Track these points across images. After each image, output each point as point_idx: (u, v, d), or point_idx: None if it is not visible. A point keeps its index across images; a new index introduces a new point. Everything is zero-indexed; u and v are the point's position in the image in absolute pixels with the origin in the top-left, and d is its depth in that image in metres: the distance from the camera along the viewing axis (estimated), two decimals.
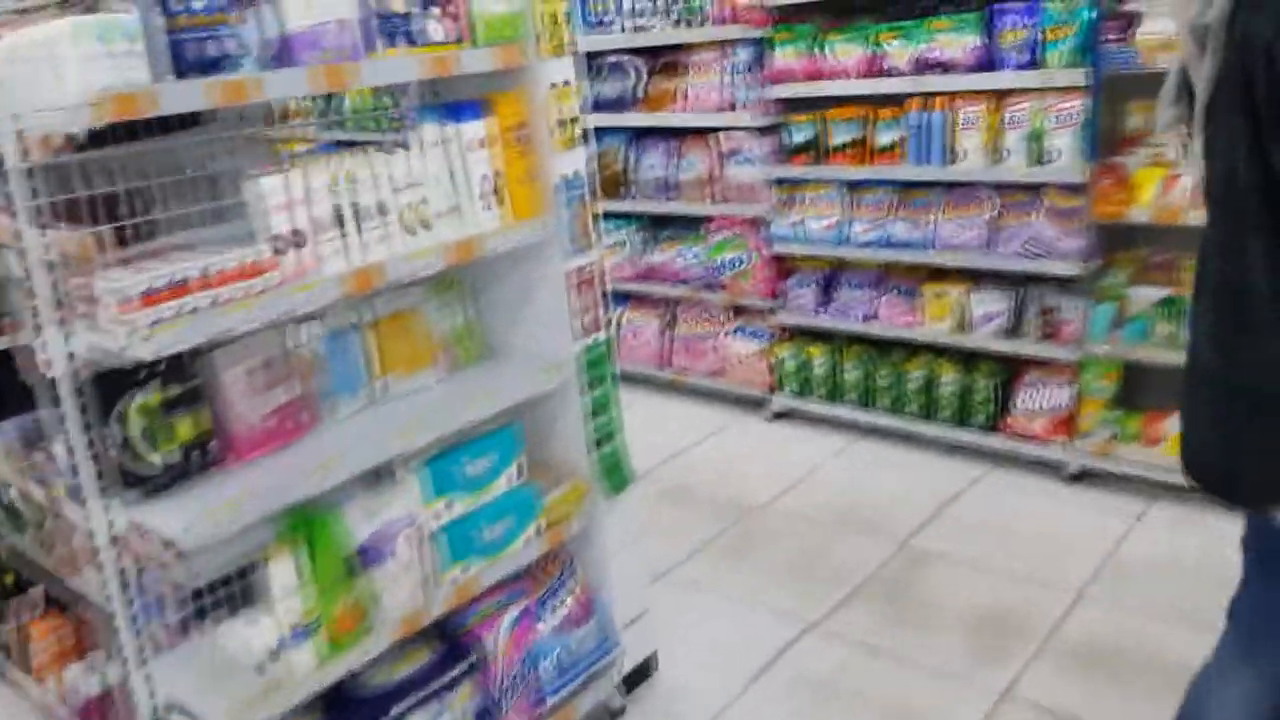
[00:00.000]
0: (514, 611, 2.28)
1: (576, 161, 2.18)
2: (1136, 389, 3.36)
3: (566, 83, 2.12)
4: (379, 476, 2.00)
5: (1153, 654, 2.55)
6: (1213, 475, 1.46)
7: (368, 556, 1.96)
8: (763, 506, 3.49)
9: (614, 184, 4.53)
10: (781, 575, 3.05)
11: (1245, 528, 1.59)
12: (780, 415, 4.24)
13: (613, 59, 4.44)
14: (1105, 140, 3.22)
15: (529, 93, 2.08)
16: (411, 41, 1.92)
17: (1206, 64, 1.32)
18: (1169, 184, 3.07)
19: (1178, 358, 3.10)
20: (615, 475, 2.52)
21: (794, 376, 4.14)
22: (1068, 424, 3.43)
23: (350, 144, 1.90)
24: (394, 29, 1.89)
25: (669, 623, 2.78)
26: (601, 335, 2.40)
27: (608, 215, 4.61)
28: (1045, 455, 3.50)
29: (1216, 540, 2.88)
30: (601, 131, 4.53)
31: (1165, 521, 3.17)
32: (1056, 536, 3.14)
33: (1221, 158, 1.34)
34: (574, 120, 2.13)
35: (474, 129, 1.99)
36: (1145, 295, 3.22)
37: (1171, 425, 3.24)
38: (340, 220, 1.79)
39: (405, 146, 1.91)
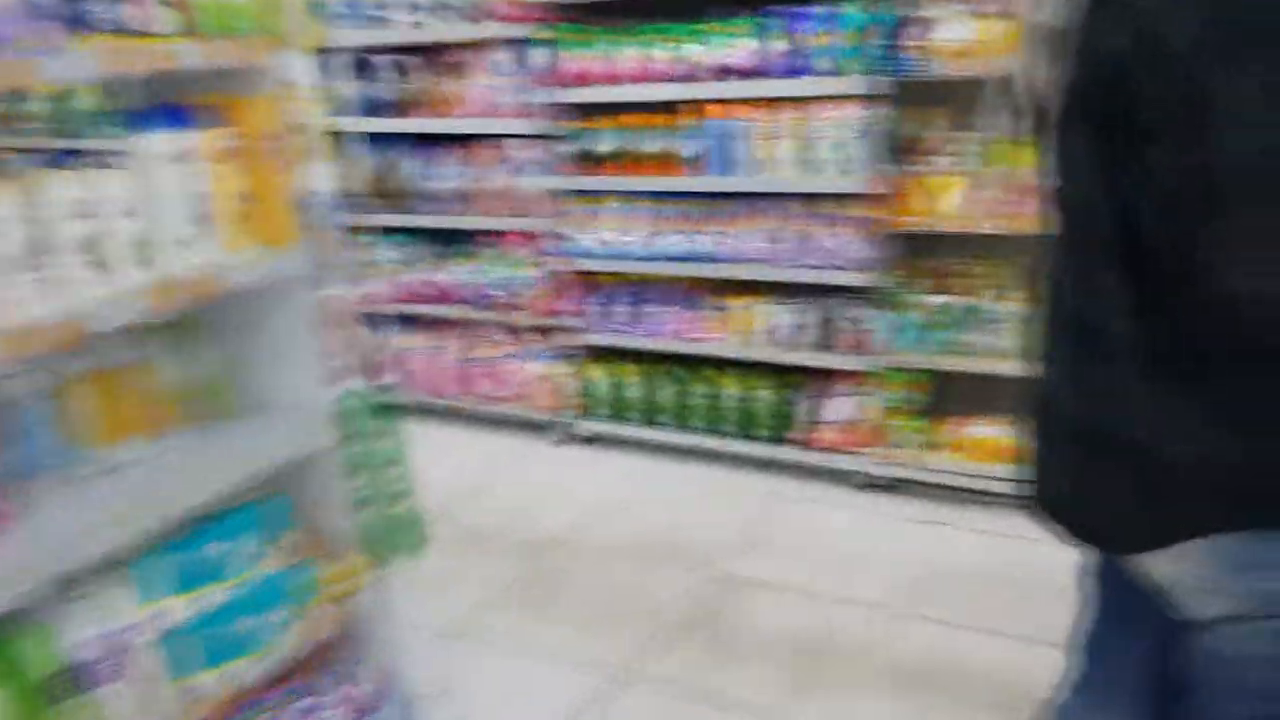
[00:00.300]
0: (287, 713, 1.92)
1: (328, 176, 1.83)
2: (939, 397, 3.35)
3: (314, 84, 1.77)
4: (90, 576, 1.59)
5: (974, 669, 2.48)
6: (1070, 520, 1.32)
7: (80, 679, 1.55)
8: (566, 542, 3.24)
9: (392, 196, 4.14)
10: (591, 619, 2.81)
11: (1095, 561, 1.47)
12: (581, 439, 4.00)
13: (386, 58, 4.06)
14: (900, 148, 3.17)
15: (266, 96, 1.72)
16: (106, 31, 1.52)
17: (1057, 73, 1.16)
18: (963, 192, 3.06)
19: (978, 365, 3.19)
20: (408, 538, 2.19)
21: (595, 398, 3.91)
22: (875, 434, 3.38)
23: (33, 157, 1.49)
24: (81, 15, 1.49)
25: (473, 689, 2.50)
26: (377, 379, 2.07)
27: (387, 231, 4.22)
28: (854, 467, 3.44)
29: (1025, 546, 2.90)
30: (375, 138, 4.14)
31: (974, 529, 3.15)
32: (870, 551, 3.06)
33: (1074, 178, 1.18)
34: (325, 128, 1.79)
35: (194, 140, 1.61)
36: (944, 304, 3.20)
37: (974, 431, 3.24)
38: (7, 260, 1.38)
39: (102, 163, 1.51)
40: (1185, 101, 0.99)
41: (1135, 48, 1.01)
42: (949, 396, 3.34)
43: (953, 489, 3.30)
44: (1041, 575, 2.72)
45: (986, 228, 3.01)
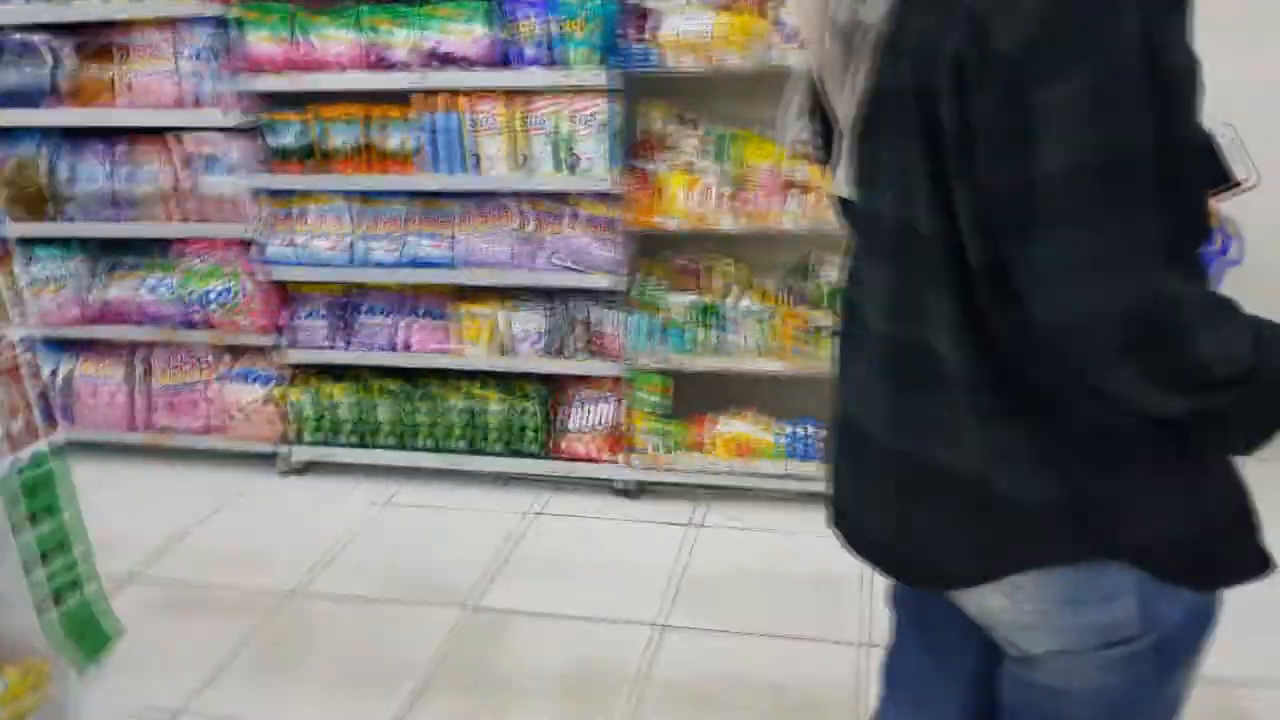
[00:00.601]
0: None
1: None
2: (682, 397, 3.29)
3: None
4: None
5: (758, 674, 2.42)
6: (885, 557, 1.22)
7: None
8: (301, 590, 2.85)
9: (37, 202, 3.48)
10: (340, 680, 2.46)
11: (898, 586, 1.40)
12: (300, 470, 3.58)
13: (18, 37, 3.38)
14: (632, 144, 3.05)
15: None
16: None
17: (859, 73, 1.03)
18: (696, 189, 2.99)
19: (722, 363, 3.14)
20: (91, 635, 1.78)
21: (313, 422, 3.50)
22: (621, 440, 3.26)
23: None
24: None
25: None
26: (42, 445, 1.65)
27: (37, 242, 3.55)
28: (603, 474, 3.32)
29: (787, 540, 2.95)
30: (16, 134, 3.46)
31: (732, 526, 3.12)
32: (633, 562, 2.94)
33: (890, 193, 1.07)
34: None
35: None
36: (681, 303, 3.13)
37: (723, 428, 3.19)
38: None
39: None
40: (1009, 109, 0.90)
41: (964, 50, 0.91)
42: (692, 395, 3.29)
43: (706, 488, 3.25)
44: (809, 568, 2.74)
45: (724, 225, 2.97)
